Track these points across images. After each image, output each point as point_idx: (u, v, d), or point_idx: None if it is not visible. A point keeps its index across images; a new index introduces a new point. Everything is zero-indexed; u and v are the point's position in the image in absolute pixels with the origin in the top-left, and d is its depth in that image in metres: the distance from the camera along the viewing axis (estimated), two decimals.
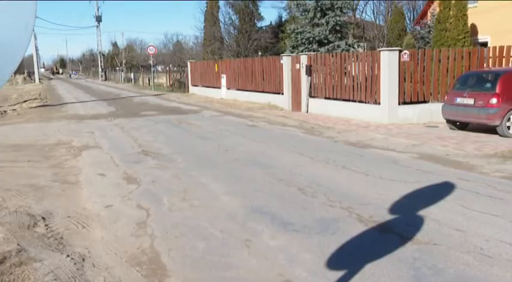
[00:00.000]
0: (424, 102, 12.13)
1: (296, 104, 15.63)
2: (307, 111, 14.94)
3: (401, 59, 11.82)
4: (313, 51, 18.78)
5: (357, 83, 12.97)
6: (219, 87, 22.13)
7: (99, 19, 57.77)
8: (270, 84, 17.67)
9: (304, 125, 12.15)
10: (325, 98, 14.42)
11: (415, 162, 7.22)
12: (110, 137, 10.72)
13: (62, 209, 5.23)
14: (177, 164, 7.52)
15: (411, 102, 12.00)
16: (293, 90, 15.81)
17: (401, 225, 4.37)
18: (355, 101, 13.13)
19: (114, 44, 69.41)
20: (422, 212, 4.69)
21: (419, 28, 21.17)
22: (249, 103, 18.23)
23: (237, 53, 32.30)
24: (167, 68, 37.08)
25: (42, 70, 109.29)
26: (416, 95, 12.06)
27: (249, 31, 32.74)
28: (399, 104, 11.88)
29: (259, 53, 32.34)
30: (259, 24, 34.88)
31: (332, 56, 14.30)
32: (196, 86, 25.75)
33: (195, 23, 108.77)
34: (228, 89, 21.34)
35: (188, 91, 26.78)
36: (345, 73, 13.59)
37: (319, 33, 19.26)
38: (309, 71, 14.78)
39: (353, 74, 13.23)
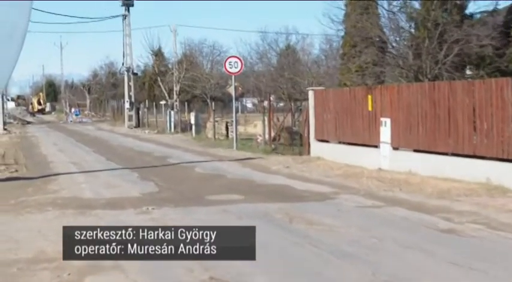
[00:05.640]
0: None
1: None
2: None
3: None
4: None
5: None
6: (375, 146, 22.43)
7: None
8: (490, 139, 17.53)
9: None
10: None
11: None
12: None
13: None
14: None
15: None
16: None
17: None
18: None
19: (157, 53, 70.97)
20: None
21: None
22: (442, 181, 18.21)
23: (415, 72, 32.52)
24: (264, 104, 38.22)
25: (12, 105, 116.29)
26: None
27: (442, 24, 32.93)
28: None
29: (467, 71, 32.21)
30: (466, 11, 34.96)
31: None
32: (327, 141, 26.33)
33: (323, 9, 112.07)
34: (396, 149, 21.53)
35: (308, 152, 27.44)
36: None
37: None
38: None
39: None
